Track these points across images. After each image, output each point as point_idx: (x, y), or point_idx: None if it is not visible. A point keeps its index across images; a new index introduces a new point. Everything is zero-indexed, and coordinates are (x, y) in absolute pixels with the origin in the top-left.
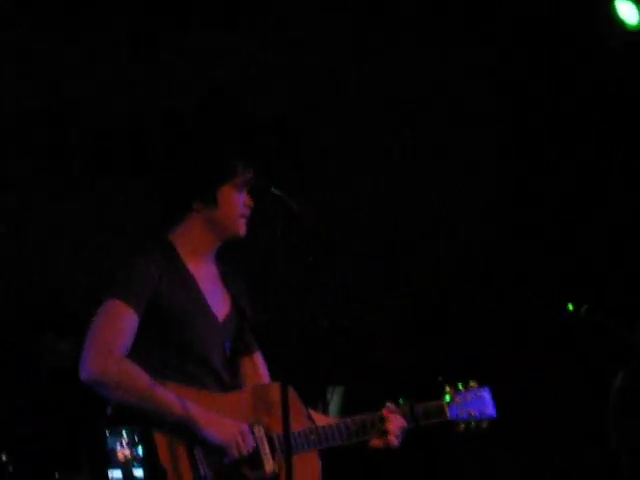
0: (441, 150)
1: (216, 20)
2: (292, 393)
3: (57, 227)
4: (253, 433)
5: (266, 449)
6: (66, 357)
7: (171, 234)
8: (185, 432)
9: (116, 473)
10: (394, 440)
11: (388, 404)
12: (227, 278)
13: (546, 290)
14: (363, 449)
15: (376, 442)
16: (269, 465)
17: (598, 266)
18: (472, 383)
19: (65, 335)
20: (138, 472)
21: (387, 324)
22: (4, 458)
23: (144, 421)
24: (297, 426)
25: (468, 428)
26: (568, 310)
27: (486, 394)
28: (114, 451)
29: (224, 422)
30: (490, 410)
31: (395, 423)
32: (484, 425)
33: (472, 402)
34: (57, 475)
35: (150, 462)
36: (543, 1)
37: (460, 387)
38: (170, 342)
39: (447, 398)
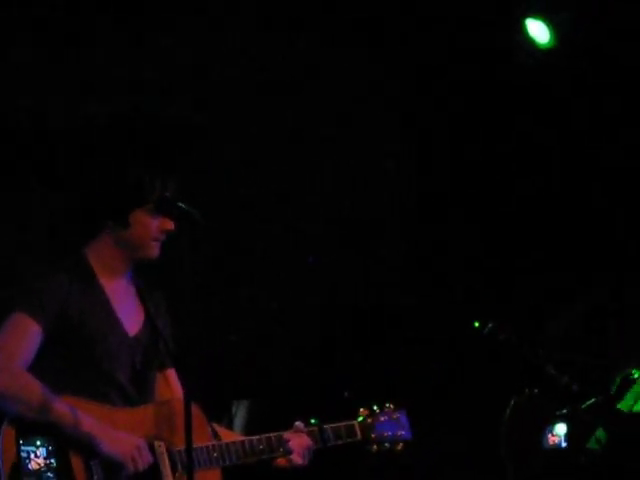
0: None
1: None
2: (195, 409)
3: None
4: (153, 448)
5: (166, 465)
6: None
7: (86, 249)
8: (83, 446)
9: None
10: (298, 459)
11: (297, 423)
12: (144, 294)
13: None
14: (268, 467)
15: (280, 461)
16: None
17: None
18: (388, 405)
19: None
20: None
21: (296, 336)
22: None
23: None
24: (200, 442)
25: (381, 449)
26: (474, 327)
27: (402, 416)
28: (28, 460)
29: (120, 436)
30: (405, 432)
31: (299, 442)
32: (398, 447)
33: (386, 423)
34: None
35: (64, 473)
36: (451, 19)
37: (375, 408)
38: (77, 357)
39: (360, 419)
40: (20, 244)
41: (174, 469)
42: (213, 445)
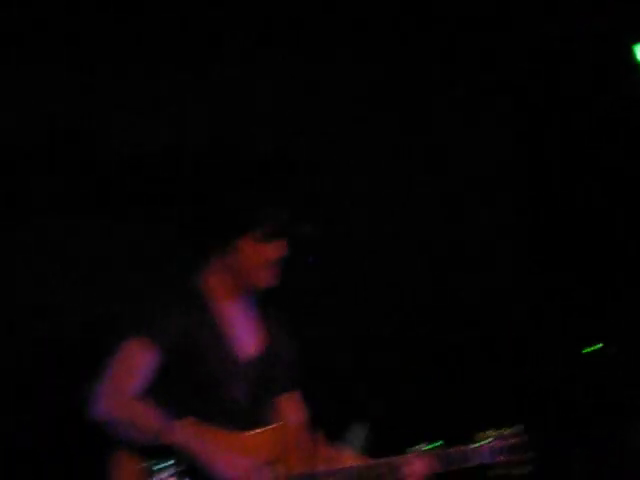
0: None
1: None
2: (314, 433)
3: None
4: (271, 473)
5: None
6: None
7: (202, 274)
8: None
9: None
10: None
11: (415, 447)
12: (265, 318)
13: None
14: None
15: None
16: None
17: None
18: (506, 429)
19: None
20: None
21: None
22: None
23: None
24: (318, 467)
25: (509, 474)
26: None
27: (520, 439)
28: None
29: (235, 459)
30: (524, 456)
31: (419, 466)
32: (519, 471)
33: (504, 448)
34: None
35: None
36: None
37: (493, 433)
38: (191, 382)
39: (484, 441)
40: (133, 263)
41: None
42: (330, 470)
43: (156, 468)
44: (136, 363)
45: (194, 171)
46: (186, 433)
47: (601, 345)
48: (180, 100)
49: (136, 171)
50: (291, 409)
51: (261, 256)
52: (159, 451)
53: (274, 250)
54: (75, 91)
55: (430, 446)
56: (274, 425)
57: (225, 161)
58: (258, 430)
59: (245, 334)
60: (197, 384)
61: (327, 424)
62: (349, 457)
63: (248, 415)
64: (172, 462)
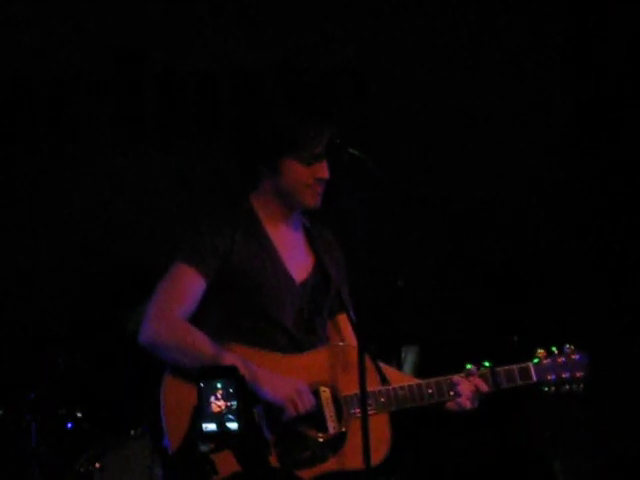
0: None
1: None
2: (366, 354)
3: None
4: (318, 394)
5: (331, 410)
6: None
7: (251, 197)
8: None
9: (210, 426)
10: (466, 402)
11: (468, 366)
12: (314, 239)
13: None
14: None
15: (449, 404)
16: (332, 426)
17: None
18: (568, 346)
19: None
20: (233, 425)
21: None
22: (79, 415)
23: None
24: (368, 387)
25: (559, 391)
26: None
27: (582, 357)
28: (208, 404)
29: (279, 380)
30: (584, 373)
31: (467, 386)
32: (578, 388)
33: (563, 365)
34: (132, 433)
35: (245, 414)
36: None
37: (554, 350)
38: (242, 304)
39: (535, 360)
40: (183, 189)
41: (339, 415)
42: (380, 390)
43: (207, 390)
44: (185, 288)
45: (243, 93)
46: (234, 356)
47: None
48: (232, 21)
49: (184, 94)
50: (342, 330)
51: (302, 176)
52: (209, 374)
53: (316, 171)
54: (123, 10)
55: (480, 367)
56: (324, 347)
57: (275, 84)
58: (308, 352)
59: (296, 257)
60: (251, 307)
61: (379, 346)
62: (400, 378)
63: (301, 337)
64: (222, 384)
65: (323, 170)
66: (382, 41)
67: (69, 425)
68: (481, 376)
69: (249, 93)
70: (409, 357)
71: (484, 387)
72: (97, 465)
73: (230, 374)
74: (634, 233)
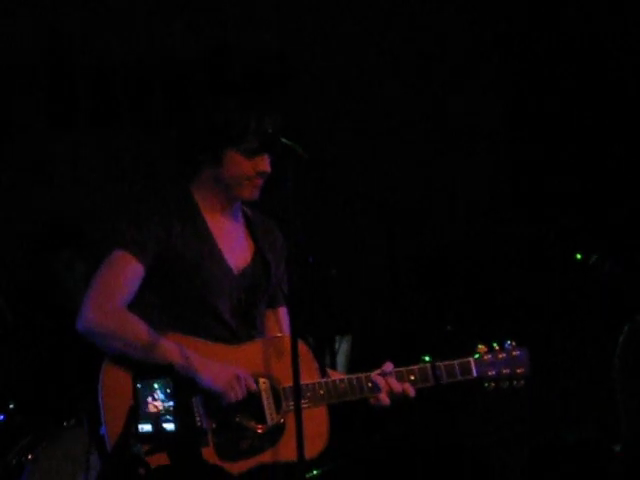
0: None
1: None
2: (302, 346)
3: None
4: (258, 385)
5: (270, 402)
6: (82, 278)
7: (190, 185)
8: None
9: (146, 427)
10: (385, 399)
11: (387, 363)
12: (255, 229)
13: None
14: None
15: (372, 400)
16: (271, 417)
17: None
18: (509, 342)
19: (81, 255)
20: (169, 425)
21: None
22: (11, 406)
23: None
24: (306, 379)
25: (499, 387)
26: (576, 260)
27: (522, 353)
28: (145, 404)
29: (220, 367)
30: (524, 370)
31: (385, 383)
32: (518, 384)
33: (504, 361)
34: (65, 423)
35: (182, 415)
36: None
37: (495, 346)
38: (179, 293)
39: (476, 355)
40: (116, 181)
41: (278, 406)
42: (319, 383)
43: (144, 391)
44: (123, 275)
45: (185, 79)
46: (173, 345)
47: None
48: (172, 6)
49: (126, 81)
50: (279, 322)
51: (244, 169)
52: (146, 374)
53: (257, 164)
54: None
55: (425, 360)
56: (262, 338)
57: (217, 69)
58: (246, 342)
59: (235, 246)
60: (188, 296)
61: (314, 338)
62: (333, 372)
63: (238, 327)
64: (159, 384)
65: (265, 164)
66: (309, 27)
67: (0, 417)
68: (421, 370)
69: (181, 81)
70: (342, 347)
71: (422, 382)
72: (30, 457)
73: (167, 374)
74: (569, 217)
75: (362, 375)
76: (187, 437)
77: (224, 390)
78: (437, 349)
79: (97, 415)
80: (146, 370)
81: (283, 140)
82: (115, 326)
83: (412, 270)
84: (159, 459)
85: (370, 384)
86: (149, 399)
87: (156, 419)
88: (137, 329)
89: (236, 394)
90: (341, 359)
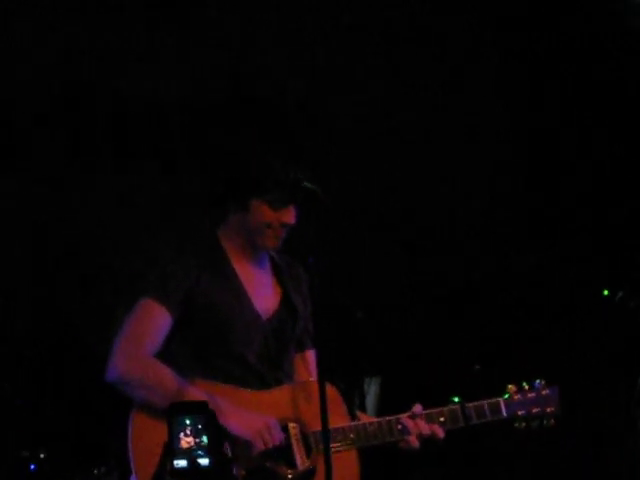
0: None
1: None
2: (331, 389)
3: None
4: (287, 430)
5: (300, 446)
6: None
7: (217, 231)
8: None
9: (181, 462)
10: (414, 442)
11: (416, 405)
12: (284, 276)
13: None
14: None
15: (402, 443)
16: (301, 462)
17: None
18: (539, 381)
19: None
20: (204, 460)
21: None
22: (42, 456)
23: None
24: (336, 422)
25: (530, 426)
26: (603, 296)
27: (553, 392)
28: (178, 440)
29: (248, 415)
30: (554, 409)
31: (414, 425)
32: (549, 423)
33: (534, 400)
34: (96, 472)
35: (216, 450)
36: None
37: (524, 385)
38: (207, 340)
39: (506, 395)
40: (142, 226)
41: (308, 451)
42: (349, 426)
43: (176, 426)
44: (152, 324)
45: (211, 124)
46: (202, 393)
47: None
48: (196, 50)
49: (153, 123)
50: (308, 366)
51: (268, 219)
52: (178, 410)
53: (282, 216)
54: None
55: (454, 401)
56: (290, 383)
57: (246, 115)
58: (275, 388)
59: (263, 292)
60: (216, 343)
61: (343, 380)
62: (363, 415)
63: (267, 373)
64: (190, 420)
65: (289, 216)
66: (321, 65)
67: (32, 467)
68: (451, 412)
69: (201, 124)
70: (372, 388)
71: (426, 431)
72: None
73: (200, 410)
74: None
75: (392, 418)
76: (222, 472)
77: (253, 439)
78: (466, 389)
79: (127, 462)
80: (178, 406)
81: (306, 184)
82: (143, 375)
83: (439, 309)
84: None
85: (400, 426)
86: (181, 435)
87: (190, 454)
88: (165, 378)
89: (265, 443)
90: (371, 401)
